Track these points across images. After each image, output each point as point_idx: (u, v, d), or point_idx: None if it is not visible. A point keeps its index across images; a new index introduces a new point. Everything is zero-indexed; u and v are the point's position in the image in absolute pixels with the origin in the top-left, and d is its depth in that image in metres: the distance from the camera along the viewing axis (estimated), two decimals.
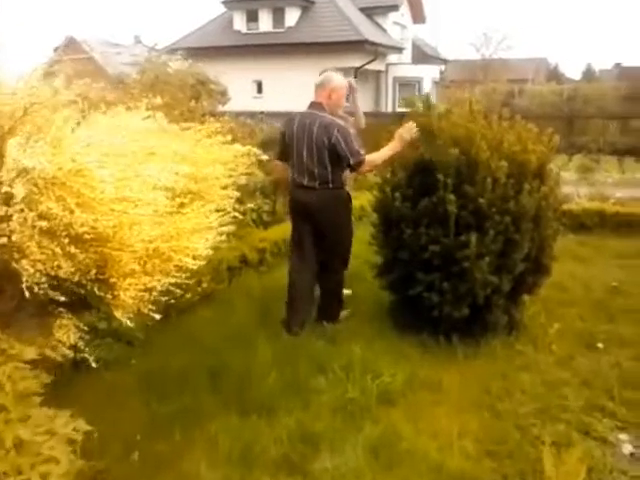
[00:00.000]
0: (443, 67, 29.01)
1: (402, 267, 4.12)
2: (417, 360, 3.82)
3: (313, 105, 4.37)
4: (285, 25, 24.53)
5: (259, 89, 24.99)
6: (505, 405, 3.33)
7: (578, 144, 16.84)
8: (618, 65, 39.89)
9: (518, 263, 3.94)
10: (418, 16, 28.93)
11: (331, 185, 4.29)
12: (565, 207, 7.55)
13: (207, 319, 4.45)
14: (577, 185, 10.19)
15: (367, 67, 23.49)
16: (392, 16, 26.13)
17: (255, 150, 4.15)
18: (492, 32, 38.54)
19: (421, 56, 28.56)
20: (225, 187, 4.01)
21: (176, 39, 25.33)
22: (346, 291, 5.02)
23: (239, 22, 25.37)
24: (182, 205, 2.85)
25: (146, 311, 2.76)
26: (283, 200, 7.43)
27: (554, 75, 35.55)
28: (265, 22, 24.89)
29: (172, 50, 18.89)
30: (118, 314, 2.53)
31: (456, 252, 3.83)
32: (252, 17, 25.16)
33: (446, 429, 3.11)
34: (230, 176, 4.00)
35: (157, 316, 2.76)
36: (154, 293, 2.73)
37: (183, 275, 2.76)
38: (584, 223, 7.34)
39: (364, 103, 19.19)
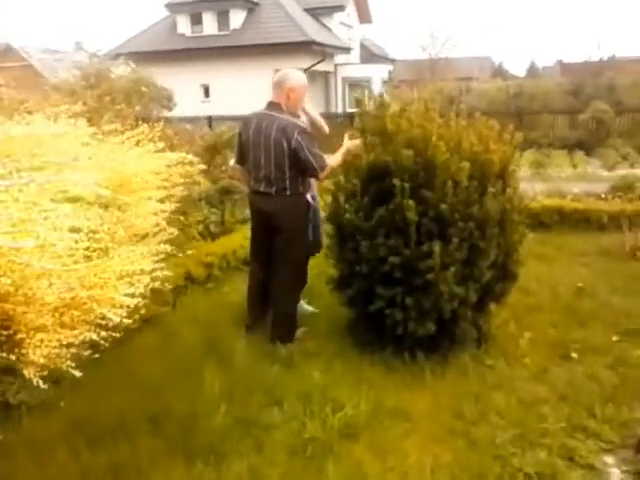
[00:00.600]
0: (391, 67, 28.98)
1: (361, 281, 3.78)
2: (381, 383, 3.49)
3: (271, 105, 4.03)
4: (230, 27, 24.09)
5: (206, 93, 24.43)
6: (480, 431, 3.01)
7: (529, 139, 16.91)
8: (560, 61, 40.68)
9: (485, 271, 3.65)
10: (364, 16, 28.85)
11: (288, 192, 3.95)
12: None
13: (147, 349, 4.01)
14: (531, 181, 10.11)
15: (315, 68, 23.22)
16: (338, 16, 25.96)
17: (191, 158, 3.80)
18: (437, 32, 38.87)
19: (369, 56, 28.49)
20: (160, 200, 3.65)
21: (119, 44, 24.53)
22: (310, 308, 4.68)
23: (183, 25, 24.81)
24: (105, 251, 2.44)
25: (64, 367, 2.38)
26: (232, 209, 7.05)
27: (499, 72, 35.94)
28: (210, 25, 24.40)
29: (115, 55, 18.26)
30: (28, 373, 2.13)
31: (418, 263, 3.51)
32: (196, 20, 24.63)
33: (417, 464, 2.78)
34: (163, 187, 3.63)
35: (77, 373, 2.38)
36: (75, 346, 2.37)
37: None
38: (543, 221, 7.17)
39: (315, 104, 18.80)
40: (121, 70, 16.55)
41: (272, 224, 4.03)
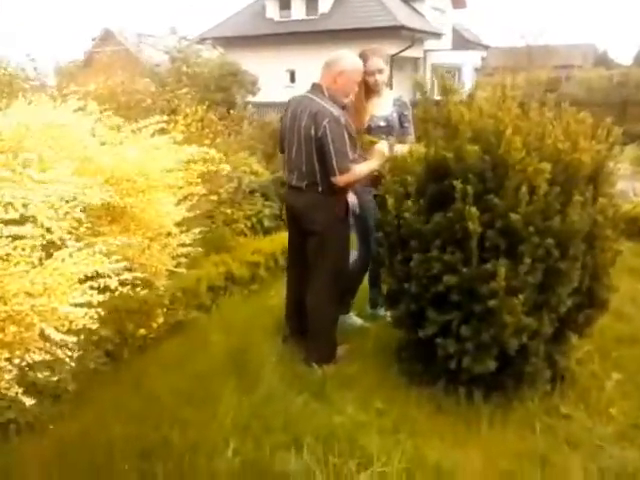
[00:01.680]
0: (485, 54, 27.59)
1: (410, 301, 3.16)
2: (425, 428, 2.87)
3: (313, 87, 3.52)
4: (318, 12, 23.58)
5: (292, 78, 24.10)
6: None
7: (632, 132, 15.41)
8: None
9: (564, 299, 2.94)
10: (458, 1, 27.52)
11: (321, 188, 3.41)
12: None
13: (167, 361, 3.57)
14: (632, 180, 9.00)
15: (404, 54, 22.36)
16: (430, 1, 24.83)
17: (213, 153, 3.27)
18: (537, 18, 36.67)
19: (461, 42, 27.17)
20: (180, 200, 3.17)
21: (209, 28, 24.64)
22: (359, 321, 4.12)
23: (272, 10, 24.55)
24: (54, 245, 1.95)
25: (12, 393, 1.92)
26: None
27: (603, 61, 33.54)
28: (298, 9, 24.00)
29: (203, 39, 18.30)
30: None
31: (479, 286, 2.85)
32: (285, 5, 24.32)
33: None
34: (180, 187, 3.14)
35: (29, 401, 1.91)
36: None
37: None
38: None
39: (402, 91, 18.01)
40: (208, 55, 16.57)
41: (302, 224, 3.51)
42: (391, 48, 21.70)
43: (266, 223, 5.75)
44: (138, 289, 2.75)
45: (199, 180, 3.08)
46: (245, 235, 5.32)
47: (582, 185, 2.95)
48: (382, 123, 3.82)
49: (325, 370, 3.43)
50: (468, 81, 23.12)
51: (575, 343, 3.30)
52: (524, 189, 2.80)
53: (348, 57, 3.48)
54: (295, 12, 24.02)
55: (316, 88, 3.47)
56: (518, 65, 31.14)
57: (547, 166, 2.82)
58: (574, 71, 24.05)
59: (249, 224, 5.40)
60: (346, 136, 3.30)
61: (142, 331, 3.43)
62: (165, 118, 3.05)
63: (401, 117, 3.89)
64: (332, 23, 22.76)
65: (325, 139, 3.25)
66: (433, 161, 3.13)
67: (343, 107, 3.47)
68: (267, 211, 5.79)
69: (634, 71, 21.31)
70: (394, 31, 21.60)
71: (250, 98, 15.36)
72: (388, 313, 3.67)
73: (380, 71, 3.81)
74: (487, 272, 2.84)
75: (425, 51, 24.50)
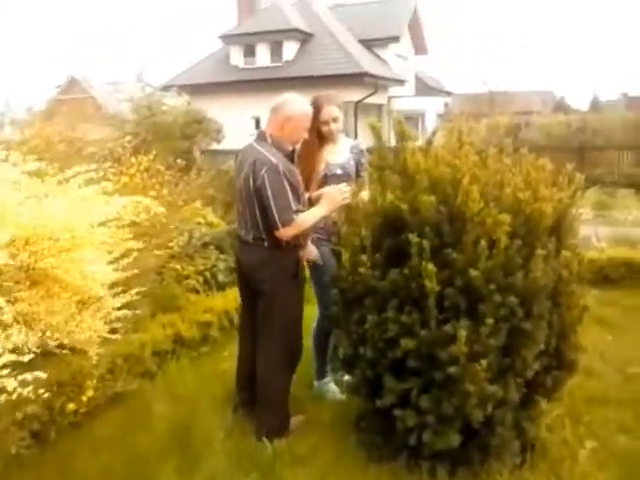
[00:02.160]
0: (448, 100, 28.08)
1: (366, 367, 2.88)
2: None
3: (258, 135, 3.27)
4: (283, 59, 23.78)
5: (257, 125, 24.06)
6: None
7: (591, 177, 15.59)
8: (625, 95, 38.75)
9: (531, 362, 2.70)
10: (420, 47, 28.07)
11: (266, 243, 3.15)
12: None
13: (101, 440, 3.21)
14: (594, 224, 8.98)
15: (368, 100, 22.59)
16: (393, 48, 25.27)
17: (148, 202, 3.00)
18: (497, 65, 37.67)
19: (424, 88, 27.65)
20: (117, 257, 2.89)
21: (174, 75, 24.66)
22: (337, 391, 3.53)
23: (236, 57, 24.69)
24: None
25: None
26: None
27: (561, 106, 34.43)
28: (262, 56, 24.17)
29: (168, 87, 18.22)
30: None
31: (439, 350, 2.60)
32: (249, 52, 24.48)
33: None
34: (114, 243, 2.86)
35: None
36: None
37: None
38: (609, 275, 6.05)
39: (366, 138, 18.05)
40: (173, 102, 16.47)
41: (250, 282, 3.25)
42: (355, 95, 21.97)
43: (220, 278, 5.44)
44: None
45: (130, 235, 2.80)
46: (197, 292, 5.00)
47: (545, 237, 2.75)
48: (339, 171, 3.59)
49: (276, 446, 3.11)
50: (431, 127, 23.44)
51: (544, 407, 3.04)
52: (483, 243, 2.58)
53: (295, 101, 3.23)
54: (260, 59, 24.18)
55: (260, 135, 3.24)
56: (480, 111, 31.76)
57: (507, 217, 2.62)
58: (533, 117, 24.53)
59: (201, 279, 5.08)
60: (287, 185, 3.04)
61: (71, 406, 3.07)
62: (94, 167, 2.80)
63: (358, 165, 3.67)
64: (296, 70, 22.91)
65: (264, 190, 3.02)
66: (389, 212, 2.90)
67: (291, 154, 3.25)
68: (222, 265, 5.49)
69: (591, 117, 21.86)
70: (358, 78, 21.81)
71: (215, 146, 15.24)
72: (337, 390, 3.39)
73: (335, 119, 3.59)
74: (447, 335, 2.59)
75: (389, 97, 24.81)
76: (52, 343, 2.46)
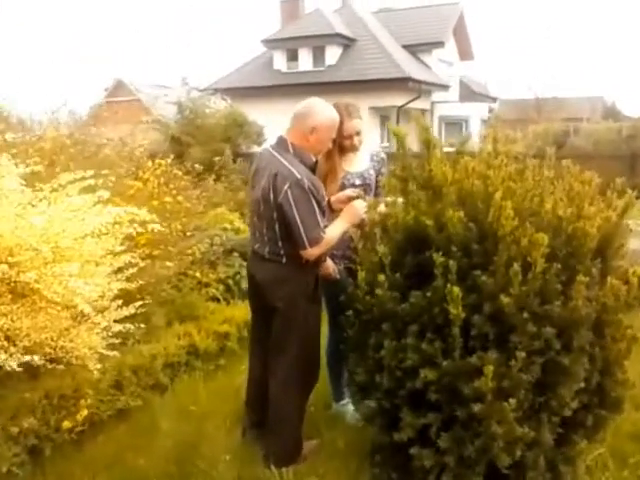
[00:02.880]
0: (492, 105, 27.50)
1: (382, 397, 2.62)
2: None
3: (278, 142, 2.97)
4: (325, 64, 23.65)
5: None
6: None
7: None
8: None
9: (568, 401, 2.39)
10: (466, 53, 27.59)
11: (285, 259, 2.91)
12: (632, 269, 5.95)
13: (100, 460, 3.03)
14: None
15: (411, 105, 22.25)
16: (437, 53, 24.87)
17: (142, 214, 2.79)
18: (545, 70, 36.82)
19: (469, 94, 27.10)
20: (115, 271, 2.69)
21: (218, 79, 24.82)
22: (356, 415, 3.29)
23: (279, 61, 24.67)
24: None
25: None
26: None
27: (611, 113, 33.36)
28: (305, 61, 24.09)
29: (212, 90, 18.36)
30: None
31: (462, 384, 2.32)
32: (292, 56, 24.45)
33: None
34: (109, 253, 2.66)
35: None
36: None
37: None
38: None
39: (409, 142, 17.70)
40: (216, 105, 16.54)
41: (264, 298, 3.01)
42: (398, 100, 21.70)
43: (244, 286, 5.24)
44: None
45: (124, 247, 2.60)
46: (218, 300, 4.81)
47: (588, 260, 2.44)
48: (357, 181, 3.32)
49: (284, 475, 2.86)
50: (475, 133, 22.94)
51: (583, 447, 2.72)
52: (516, 265, 2.28)
53: (322, 109, 2.92)
54: (302, 63, 24.10)
55: (281, 143, 2.94)
56: (527, 117, 31.07)
57: (545, 237, 2.32)
58: (582, 124, 23.79)
59: (222, 288, 4.88)
60: (313, 201, 2.78)
61: (66, 423, 2.89)
62: (90, 173, 2.61)
63: (378, 175, 3.40)
64: (339, 75, 22.78)
65: (287, 207, 2.75)
66: (411, 228, 2.64)
67: (313, 165, 2.99)
68: (245, 272, 5.27)
69: None
70: (401, 83, 21.52)
71: (256, 148, 15.20)
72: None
73: (358, 133, 3.31)
74: (472, 367, 2.31)
75: (432, 103, 24.41)
76: (38, 360, 2.27)
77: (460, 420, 2.34)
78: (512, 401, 2.21)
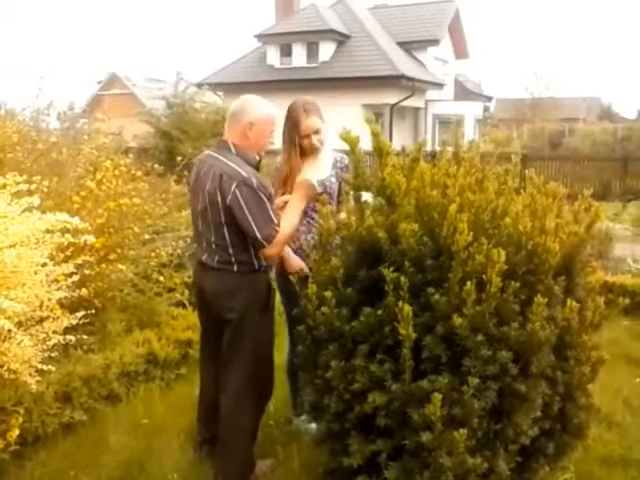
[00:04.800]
0: (487, 104, 27.36)
1: (330, 419, 2.46)
2: None
3: (219, 144, 2.86)
4: (319, 60, 23.47)
5: None
6: None
7: (634, 189, 14.82)
8: None
9: (526, 429, 2.23)
10: (461, 51, 27.41)
11: (236, 267, 2.76)
12: (615, 278, 5.79)
13: (38, 478, 2.87)
14: (633, 243, 8.32)
15: (405, 103, 22.10)
16: (432, 51, 24.70)
17: (76, 222, 2.63)
18: (542, 70, 36.72)
19: (464, 93, 26.94)
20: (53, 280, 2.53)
21: (210, 73, 24.58)
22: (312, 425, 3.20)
23: (273, 57, 24.47)
24: None
25: None
26: None
27: (607, 114, 33.28)
28: (299, 57, 23.90)
29: (201, 85, 18.10)
30: None
31: (412, 410, 2.16)
32: (286, 52, 24.25)
33: None
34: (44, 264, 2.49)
35: None
36: None
37: None
38: None
39: (402, 140, 17.70)
40: (208, 100, 16.29)
41: (214, 311, 2.85)
42: (391, 97, 21.54)
43: None
44: None
45: (45, 256, 2.43)
46: (183, 306, 4.64)
47: (549, 278, 2.28)
48: (318, 189, 3.16)
49: None
50: (470, 132, 22.80)
51: (545, 475, 2.56)
52: (469, 284, 2.13)
53: (257, 104, 2.81)
54: (296, 59, 23.90)
55: (222, 145, 2.82)
56: (522, 117, 30.98)
57: (502, 253, 2.16)
58: (578, 124, 23.69)
59: (187, 292, 4.71)
60: (264, 198, 2.66)
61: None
62: (22, 178, 2.44)
63: (341, 182, 3.23)
64: (333, 71, 22.61)
65: (237, 207, 2.62)
66: (365, 239, 2.47)
67: (257, 164, 2.83)
68: None
69: (638, 126, 20.92)
70: (394, 80, 21.36)
71: None
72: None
73: (317, 131, 3.16)
74: (422, 391, 2.15)
75: (427, 101, 24.25)
76: None
77: (409, 449, 2.18)
78: (462, 431, 2.05)
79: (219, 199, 2.65)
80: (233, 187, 2.61)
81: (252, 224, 2.62)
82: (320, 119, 3.14)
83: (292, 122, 3.12)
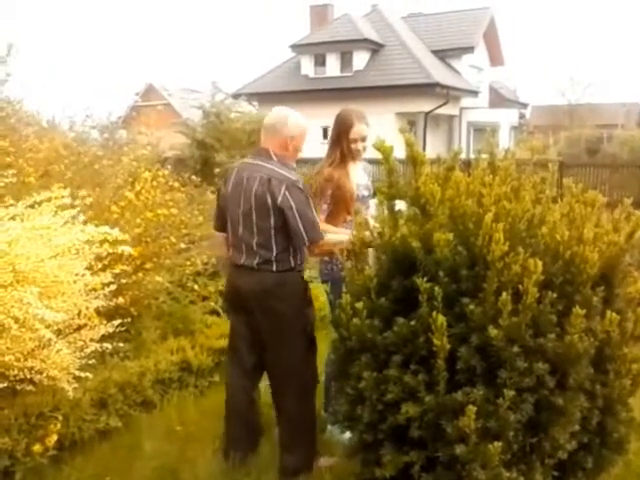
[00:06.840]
0: (523, 111, 27.02)
1: (364, 430, 2.44)
2: None
3: (259, 152, 2.99)
4: (353, 69, 23.53)
5: (325, 135, 23.86)
6: None
7: None
8: None
9: (563, 443, 2.18)
10: (496, 58, 27.17)
11: (275, 266, 2.88)
12: None
13: None
14: None
15: (439, 111, 22.01)
16: (467, 58, 24.54)
17: (115, 234, 2.66)
18: (579, 75, 36.10)
19: (499, 100, 26.69)
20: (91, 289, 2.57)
21: (245, 84, 24.85)
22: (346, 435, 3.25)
23: (307, 66, 24.63)
24: None
25: None
26: None
27: None
28: (333, 66, 24.01)
29: (237, 95, 18.31)
30: None
31: (446, 422, 2.13)
32: (320, 61, 24.39)
33: None
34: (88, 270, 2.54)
35: None
36: None
37: None
38: None
39: (436, 149, 17.63)
40: (243, 109, 16.45)
41: (253, 312, 2.93)
42: (425, 105, 21.46)
43: None
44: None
45: (84, 266, 2.47)
46: (217, 314, 4.67)
47: (587, 289, 2.23)
48: (366, 192, 3.30)
49: None
50: (505, 139, 22.53)
51: None
52: (505, 294, 2.09)
53: (296, 120, 2.98)
54: (330, 69, 24.00)
55: (262, 153, 2.95)
56: (559, 124, 30.48)
57: (538, 263, 2.12)
58: (617, 130, 23.21)
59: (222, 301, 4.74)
60: (310, 202, 2.86)
61: (37, 447, 2.77)
62: (66, 192, 2.49)
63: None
64: (366, 80, 22.64)
65: (287, 207, 2.78)
66: (398, 249, 2.46)
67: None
68: None
69: None
70: (428, 88, 21.28)
71: None
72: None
73: (364, 139, 3.29)
74: (457, 403, 2.12)
75: (461, 109, 24.07)
76: None
77: (442, 461, 2.16)
78: (497, 444, 2.02)
79: (269, 201, 2.78)
80: (283, 189, 2.77)
81: (299, 225, 2.78)
82: (367, 128, 3.23)
83: (345, 126, 3.24)
